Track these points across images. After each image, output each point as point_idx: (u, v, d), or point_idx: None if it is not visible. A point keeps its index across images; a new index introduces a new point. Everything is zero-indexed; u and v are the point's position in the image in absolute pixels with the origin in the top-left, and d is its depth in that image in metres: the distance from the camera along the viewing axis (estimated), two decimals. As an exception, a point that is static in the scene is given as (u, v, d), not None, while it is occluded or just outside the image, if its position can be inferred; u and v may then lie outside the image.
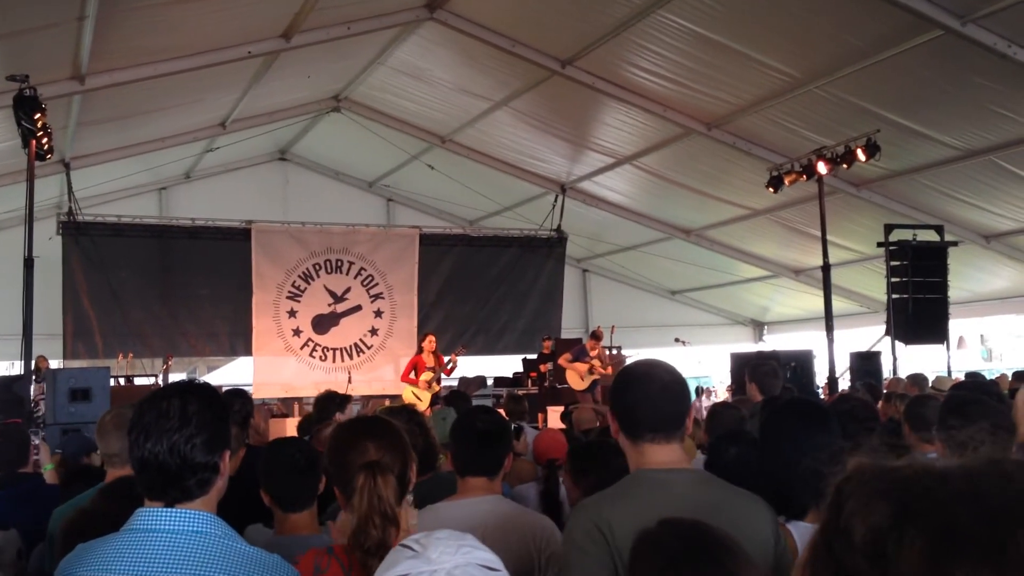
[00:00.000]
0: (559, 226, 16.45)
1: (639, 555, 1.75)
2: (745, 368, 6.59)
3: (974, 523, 0.78)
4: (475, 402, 7.87)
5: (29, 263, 9.70)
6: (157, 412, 1.97)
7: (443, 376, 12.73)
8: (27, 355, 9.62)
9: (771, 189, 12.72)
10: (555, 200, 16.23)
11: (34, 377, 10.56)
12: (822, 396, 10.62)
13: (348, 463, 2.26)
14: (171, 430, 1.94)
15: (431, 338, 12.81)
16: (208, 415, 2.00)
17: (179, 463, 1.93)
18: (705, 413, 6.90)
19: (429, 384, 12.42)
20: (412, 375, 12.62)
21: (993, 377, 12.16)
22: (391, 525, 2.11)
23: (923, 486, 0.83)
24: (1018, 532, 0.76)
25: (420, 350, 12.90)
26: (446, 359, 12.77)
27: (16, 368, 11.50)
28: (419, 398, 12.28)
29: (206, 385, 2.17)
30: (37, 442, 6.76)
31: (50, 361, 13.00)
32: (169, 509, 1.93)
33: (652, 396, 2.30)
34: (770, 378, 6.25)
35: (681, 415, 2.32)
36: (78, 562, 1.95)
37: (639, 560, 1.74)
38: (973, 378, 9.27)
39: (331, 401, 5.97)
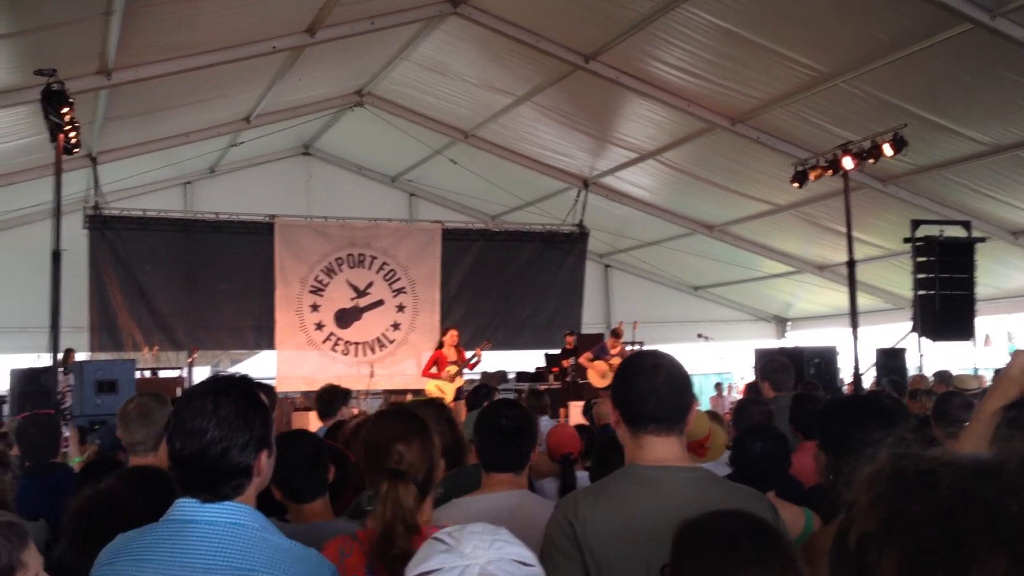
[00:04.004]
0: (581, 221, 16.41)
1: (688, 542, 1.67)
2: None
3: (939, 543, 0.76)
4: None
5: (56, 256, 9.79)
6: (192, 411, 1.93)
7: (466, 370, 12.74)
8: (54, 347, 9.71)
9: (796, 184, 12.60)
10: (577, 195, 16.20)
11: (61, 369, 10.66)
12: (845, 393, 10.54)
13: (377, 465, 2.28)
14: (203, 432, 1.89)
15: (453, 332, 12.82)
16: (245, 417, 1.93)
17: (209, 467, 1.89)
18: (728, 409, 6.86)
19: (452, 378, 12.43)
20: (434, 369, 12.64)
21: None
22: (414, 534, 2.12)
23: (914, 496, 0.80)
24: (985, 556, 0.74)
25: (441, 344, 12.91)
26: (470, 354, 12.77)
27: (43, 360, 11.63)
28: (443, 391, 12.30)
29: (246, 383, 2.06)
30: (68, 434, 6.83)
31: (76, 354, 13.12)
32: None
33: (658, 386, 2.29)
34: (780, 374, 6.22)
35: (685, 408, 2.32)
36: (118, 552, 1.95)
37: (689, 547, 1.67)
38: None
39: (335, 396, 5.80)
